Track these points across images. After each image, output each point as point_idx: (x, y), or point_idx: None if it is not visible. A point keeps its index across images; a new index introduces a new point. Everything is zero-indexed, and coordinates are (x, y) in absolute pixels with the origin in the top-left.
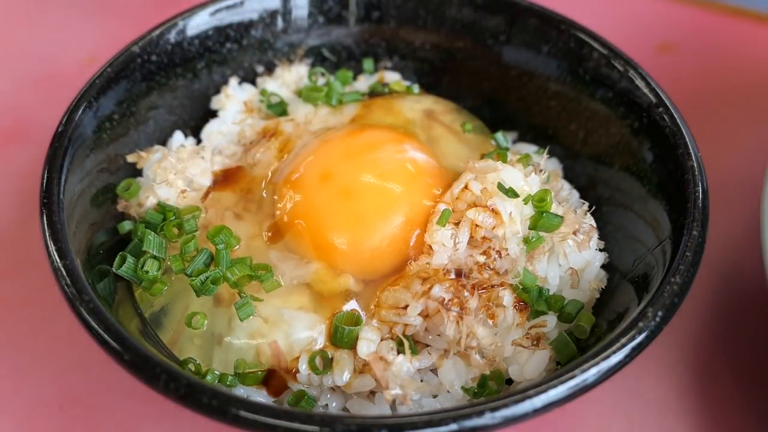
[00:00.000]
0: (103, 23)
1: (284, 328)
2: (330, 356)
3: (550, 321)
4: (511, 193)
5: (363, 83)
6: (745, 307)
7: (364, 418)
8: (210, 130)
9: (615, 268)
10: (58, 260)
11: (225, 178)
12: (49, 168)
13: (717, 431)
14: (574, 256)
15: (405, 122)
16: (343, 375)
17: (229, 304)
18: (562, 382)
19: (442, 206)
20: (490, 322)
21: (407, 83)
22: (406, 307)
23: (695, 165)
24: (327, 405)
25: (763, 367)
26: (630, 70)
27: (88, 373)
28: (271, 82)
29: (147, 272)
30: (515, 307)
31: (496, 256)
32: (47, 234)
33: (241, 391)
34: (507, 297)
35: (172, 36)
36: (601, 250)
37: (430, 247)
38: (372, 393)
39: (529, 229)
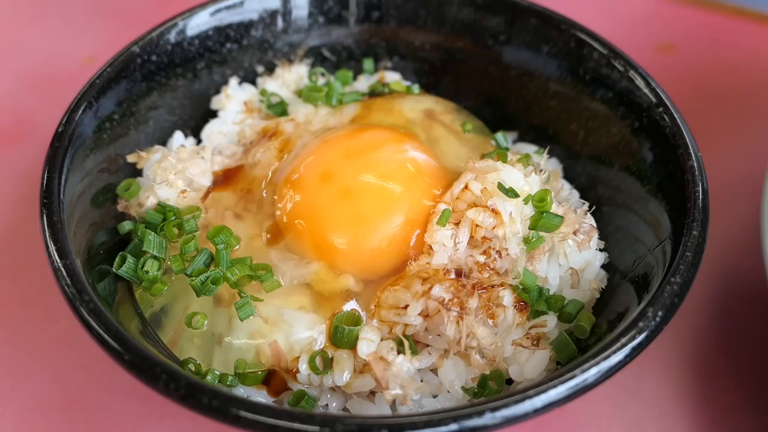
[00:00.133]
0: (103, 23)
1: (284, 328)
2: (330, 356)
3: (550, 321)
4: (512, 193)
5: (363, 83)
6: (745, 307)
7: (364, 418)
8: (210, 130)
9: (615, 268)
10: (58, 260)
11: (225, 178)
12: (49, 168)
13: (717, 431)
14: (575, 256)
15: (405, 122)
16: (343, 375)
17: (229, 304)
18: (562, 382)
19: (442, 206)
20: (491, 322)
21: (407, 83)
22: (406, 307)
23: (695, 165)
24: (327, 405)
25: (763, 367)
26: (630, 70)
27: (88, 373)
28: (271, 82)
29: (147, 272)
30: (515, 307)
31: (497, 256)
32: (47, 234)
33: (241, 391)
34: (507, 297)
35: (172, 36)
36: (601, 250)
37: (430, 247)
38: (372, 393)
39: (529, 229)
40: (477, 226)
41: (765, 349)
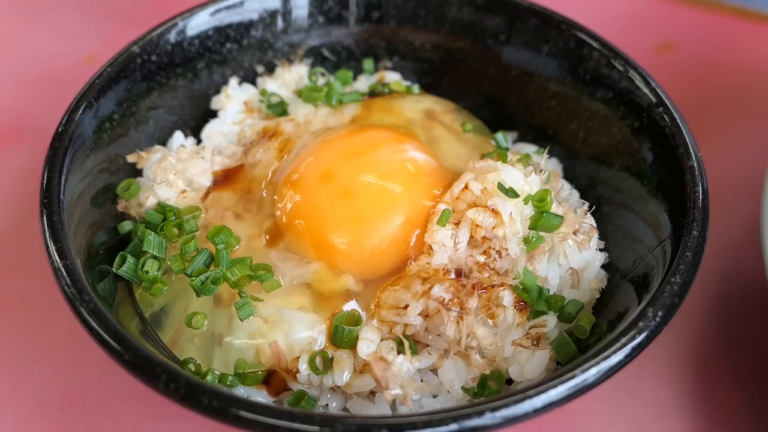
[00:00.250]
0: (103, 23)
1: (284, 328)
2: (330, 356)
3: (551, 321)
4: (512, 193)
5: (363, 83)
6: (745, 307)
7: (364, 418)
8: (210, 130)
9: (615, 268)
10: (58, 260)
11: (225, 178)
12: (49, 168)
13: (716, 431)
14: (575, 256)
15: (405, 122)
16: (343, 375)
17: (229, 304)
18: (562, 382)
19: (442, 206)
20: (491, 322)
21: (407, 83)
22: (406, 307)
23: (695, 165)
24: (327, 405)
25: (763, 367)
26: (630, 70)
27: (88, 373)
28: (271, 82)
29: (147, 272)
30: (515, 307)
31: (497, 256)
32: (47, 234)
33: (241, 391)
34: (507, 297)
35: (172, 36)
36: (601, 250)
37: (430, 247)
38: (372, 393)
39: (529, 229)
40: (477, 226)
41: (765, 349)
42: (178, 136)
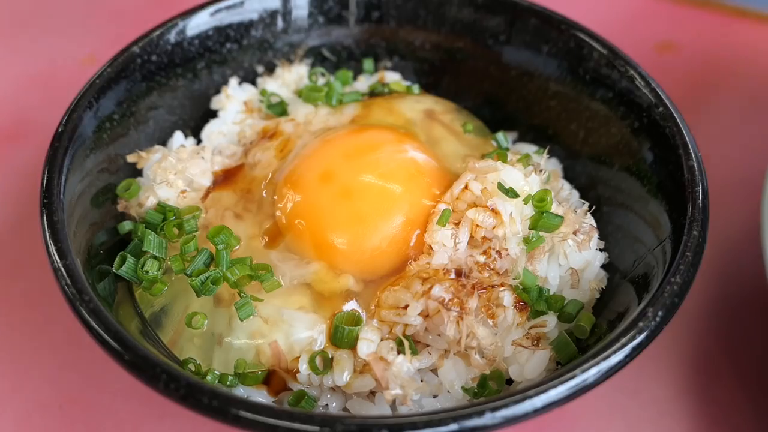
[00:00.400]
0: (103, 23)
1: (284, 328)
2: (330, 356)
3: (550, 321)
4: (512, 193)
5: (363, 83)
6: (745, 307)
7: (364, 418)
8: (210, 130)
9: (615, 268)
10: (58, 260)
11: (225, 178)
12: (49, 168)
13: (716, 431)
14: (575, 256)
15: (405, 122)
16: (343, 375)
17: (229, 304)
18: (562, 382)
19: (442, 206)
20: (491, 322)
21: (407, 83)
22: (406, 307)
23: (695, 165)
24: (327, 405)
25: (763, 367)
26: (630, 70)
27: (88, 373)
28: (271, 82)
29: (147, 272)
30: (515, 307)
31: (497, 256)
32: (47, 234)
33: (241, 391)
34: (507, 297)
35: (172, 36)
36: (601, 250)
37: (430, 247)
38: (372, 393)
39: (530, 229)
40: (477, 226)
41: (765, 349)
42: (178, 136)
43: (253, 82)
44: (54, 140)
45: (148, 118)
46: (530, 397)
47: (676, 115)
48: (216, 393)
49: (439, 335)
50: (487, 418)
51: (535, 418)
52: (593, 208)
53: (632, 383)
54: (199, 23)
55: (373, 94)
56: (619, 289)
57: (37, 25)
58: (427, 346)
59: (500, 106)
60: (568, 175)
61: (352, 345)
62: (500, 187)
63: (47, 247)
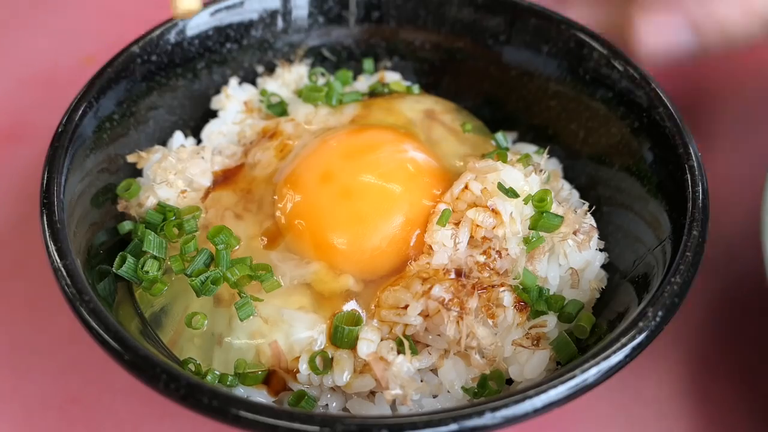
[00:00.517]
0: (103, 23)
1: (284, 328)
2: (330, 356)
3: (550, 321)
4: (512, 193)
5: (363, 83)
6: (745, 306)
7: (364, 418)
8: (210, 130)
9: (615, 268)
10: (58, 260)
11: (225, 179)
12: (49, 168)
13: (716, 431)
14: (575, 256)
15: (405, 122)
16: (343, 375)
17: (229, 304)
18: (562, 382)
19: (442, 206)
20: (490, 322)
21: (407, 83)
22: (406, 307)
23: (695, 165)
24: (327, 405)
25: (763, 367)
26: (630, 70)
27: (88, 373)
28: (271, 82)
29: (147, 272)
30: (515, 307)
31: (497, 256)
32: (47, 234)
33: (241, 391)
34: (507, 297)
35: (172, 36)
36: (601, 250)
37: (430, 247)
38: (372, 393)
39: (530, 229)
40: (477, 226)
41: (765, 349)
42: (178, 136)
43: (253, 82)
44: (54, 140)
45: (148, 118)
46: (530, 397)
47: (676, 115)
48: (216, 393)
49: (439, 335)
50: (487, 418)
51: (535, 418)
52: (593, 208)
53: (632, 383)
54: (199, 23)
55: (373, 94)
56: (619, 289)
57: (37, 25)
58: (427, 346)
59: (500, 106)
60: (568, 175)
61: (352, 345)
62: (500, 187)
63: (47, 247)
